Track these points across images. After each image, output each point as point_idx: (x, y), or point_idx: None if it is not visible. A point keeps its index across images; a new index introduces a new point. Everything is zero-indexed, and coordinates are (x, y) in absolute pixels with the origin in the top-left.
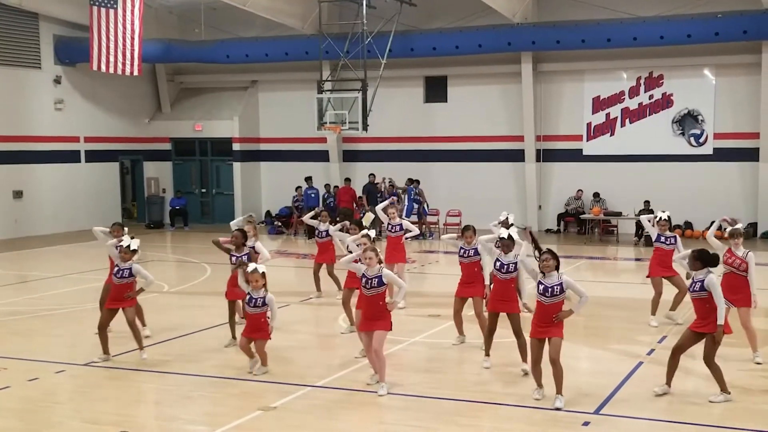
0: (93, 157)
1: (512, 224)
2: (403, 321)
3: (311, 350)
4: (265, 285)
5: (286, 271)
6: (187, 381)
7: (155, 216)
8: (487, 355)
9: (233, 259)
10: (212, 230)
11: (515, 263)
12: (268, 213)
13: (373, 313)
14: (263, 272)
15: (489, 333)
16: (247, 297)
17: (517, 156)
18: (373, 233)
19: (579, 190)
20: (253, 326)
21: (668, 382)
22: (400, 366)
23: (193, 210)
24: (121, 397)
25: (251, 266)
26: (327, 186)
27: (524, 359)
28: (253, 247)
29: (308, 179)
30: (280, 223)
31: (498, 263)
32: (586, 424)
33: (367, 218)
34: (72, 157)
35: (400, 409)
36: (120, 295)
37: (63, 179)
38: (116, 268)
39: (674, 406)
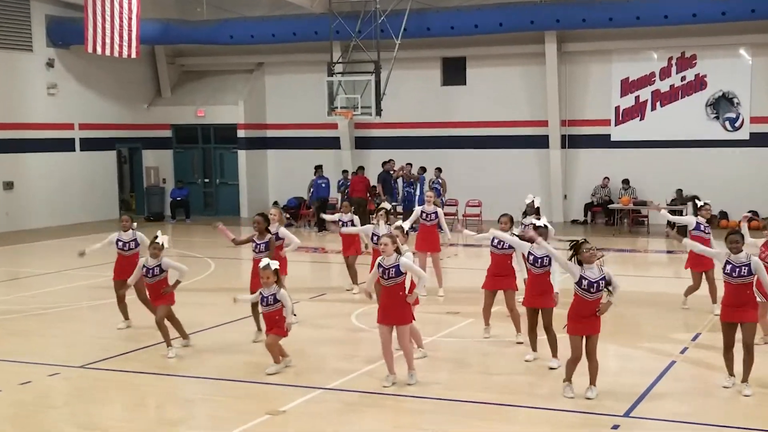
0: (88, 145)
1: (538, 207)
2: (420, 319)
3: (323, 349)
4: (278, 281)
5: (296, 266)
6: (190, 383)
7: (155, 208)
8: (534, 350)
9: (256, 247)
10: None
11: (548, 256)
12: (275, 204)
13: (392, 305)
14: (276, 269)
15: (531, 329)
16: (259, 295)
17: (541, 142)
18: (408, 224)
19: (606, 177)
20: (270, 325)
21: (731, 373)
22: (416, 366)
23: (196, 201)
24: (119, 401)
25: (263, 261)
26: (345, 173)
27: (554, 355)
28: (277, 234)
29: (318, 168)
30: (288, 215)
31: (531, 257)
32: (615, 427)
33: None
34: (66, 145)
35: (416, 412)
36: (158, 293)
37: (56, 169)
38: (145, 269)
39: (709, 406)
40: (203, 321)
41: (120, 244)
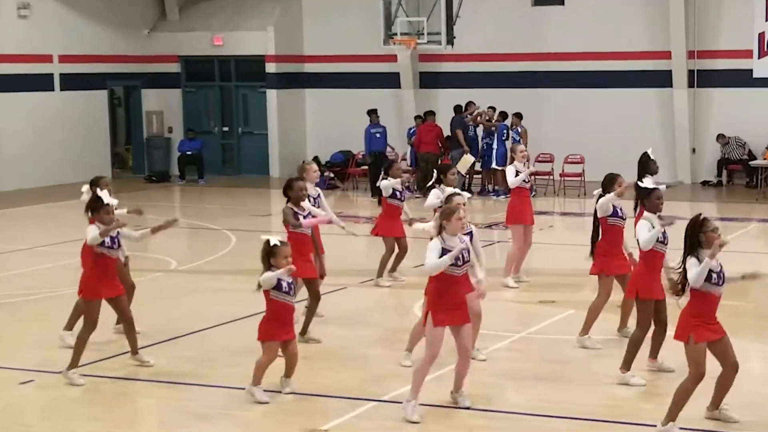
0: (71, 83)
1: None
2: (502, 310)
3: (377, 350)
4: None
5: (341, 241)
6: (202, 393)
7: (158, 165)
8: (653, 358)
9: (300, 218)
10: (238, 185)
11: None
12: (316, 160)
13: (461, 298)
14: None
15: (653, 331)
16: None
17: (662, 80)
18: (466, 196)
19: (746, 125)
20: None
21: None
22: (496, 372)
23: (212, 156)
24: (110, 416)
25: (273, 239)
26: (418, 118)
27: (654, 357)
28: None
29: (372, 113)
30: (332, 174)
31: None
32: None
33: (465, 162)
34: (42, 83)
35: (492, 431)
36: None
37: (29, 115)
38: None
39: None
40: (221, 313)
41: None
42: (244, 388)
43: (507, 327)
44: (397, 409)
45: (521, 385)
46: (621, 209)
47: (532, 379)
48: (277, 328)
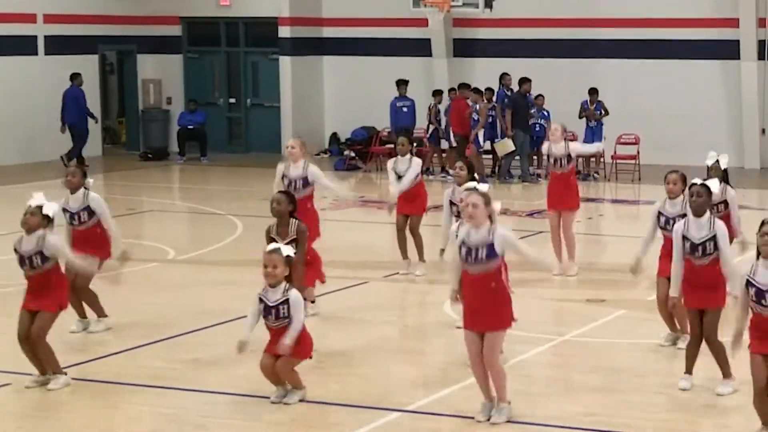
0: (57, 46)
1: (725, 170)
2: (543, 309)
3: (399, 355)
4: (289, 277)
5: (362, 228)
6: (201, 401)
7: (155, 140)
8: (688, 372)
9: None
10: (246, 164)
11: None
12: (334, 137)
13: (480, 302)
14: (288, 256)
15: (694, 341)
16: (261, 308)
17: (728, 50)
18: (485, 187)
19: None
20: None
21: None
22: (534, 380)
23: (216, 131)
24: (96, 425)
25: (273, 245)
26: (452, 92)
27: (727, 374)
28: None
29: (401, 84)
30: (353, 153)
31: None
32: None
33: (504, 146)
34: (24, 46)
35: None
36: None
37: (10, 81)
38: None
39: None
40: (223, 308)
41: (68, 215)
42: (245, 395)
43: (548, 329)
44: (423, 420)
45: (565, 395)
46: None
47: (578, 389)
48: None
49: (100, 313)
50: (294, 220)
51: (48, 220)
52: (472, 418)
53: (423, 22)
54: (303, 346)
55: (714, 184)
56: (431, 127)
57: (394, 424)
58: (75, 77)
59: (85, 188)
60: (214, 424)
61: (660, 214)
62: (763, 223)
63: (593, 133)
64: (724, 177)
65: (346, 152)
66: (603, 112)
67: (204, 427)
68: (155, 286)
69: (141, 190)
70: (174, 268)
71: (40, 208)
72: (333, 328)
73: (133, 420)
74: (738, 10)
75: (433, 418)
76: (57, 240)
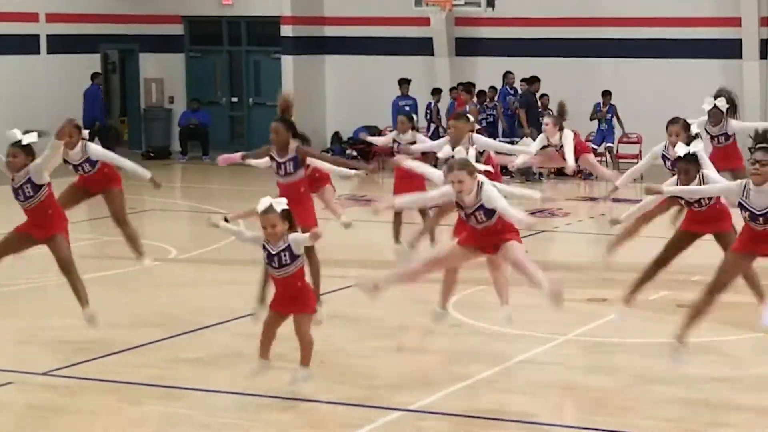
0: (60, 45)
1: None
2: (544, 308)
3: (400, 354)
4: (291, 227)
5: (365, 227)
6: (205, 401)
7: (157, 139)
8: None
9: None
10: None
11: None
12: (336, 136)
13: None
14: (283, 210)
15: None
16: (264, 255)
17: (730, 50)
18: (462, 152)
19: None
20: (287, 294)
21: None
22: (535, 380)
23: (219, 130)
24: (99, 426)
25: (263, 202)
26: (454, 90)
27: None
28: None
29: (404, 83)
30: (355, 153)
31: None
32: None
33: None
34: (26, 45)
35: None
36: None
37: (13, 79)
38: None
39: None
40: (226, 308)
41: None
42: (248, 395)
43: (550, 328)
44: (424, 420)
45: (566, 395)
46: None
47: (579, 389)
48: None
49: (138, 251)
50: (293, 140)
51: (32, 154)
52: (475, 417)
53: (425, 21)
54: (312, 299)
55: None
56: (432, 126)
57: (396, 423)
58: (96, 76)
59: (83, 139)
60: (218, 423)
61: (665, 157)
62: (750, 150)
63: (604, 135)
64: (733, 112)
65: (348, 151)
66: (614, 116)
67: (208, 426)
68: (157, 285)
69: (142, 189)
70: (175, 267)
71: (19, 144)
72: (333, 328)
73: (135, 420)
74: (740, 10)
75: (434, 417)
76: (98, 148)
